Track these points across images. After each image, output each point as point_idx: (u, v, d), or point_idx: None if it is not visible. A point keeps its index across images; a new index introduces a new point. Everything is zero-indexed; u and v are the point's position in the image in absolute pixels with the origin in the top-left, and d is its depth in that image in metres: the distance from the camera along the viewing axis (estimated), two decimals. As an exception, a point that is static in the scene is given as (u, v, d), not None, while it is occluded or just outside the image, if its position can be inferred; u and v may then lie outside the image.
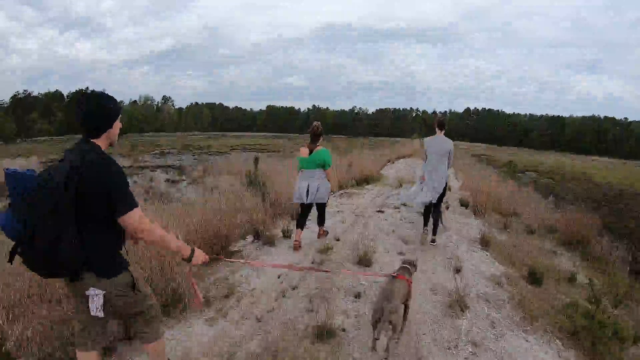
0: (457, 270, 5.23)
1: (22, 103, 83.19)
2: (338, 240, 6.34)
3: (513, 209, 10.02)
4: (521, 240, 7.49)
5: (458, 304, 4.25)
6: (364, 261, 5.33)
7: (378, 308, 3.25)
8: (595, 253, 7.71)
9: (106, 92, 2.28)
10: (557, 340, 3.98)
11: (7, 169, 2.06)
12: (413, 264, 3.88)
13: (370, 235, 6.62)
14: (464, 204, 9.90)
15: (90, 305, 2.19)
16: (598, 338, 3.90)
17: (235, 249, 5.75)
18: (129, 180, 2.27)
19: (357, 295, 4.39)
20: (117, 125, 2.27)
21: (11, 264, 2.11)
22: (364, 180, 13.25)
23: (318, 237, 6.37)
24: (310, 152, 5.73)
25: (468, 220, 8.45)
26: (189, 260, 2.45)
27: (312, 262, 5.30)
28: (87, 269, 2.13)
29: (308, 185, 5.74)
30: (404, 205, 9.33)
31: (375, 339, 3.34)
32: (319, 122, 5.90)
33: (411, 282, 3.66)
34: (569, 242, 8.09)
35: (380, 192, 11.36)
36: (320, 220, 6.35)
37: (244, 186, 9.15)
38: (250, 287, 4.58)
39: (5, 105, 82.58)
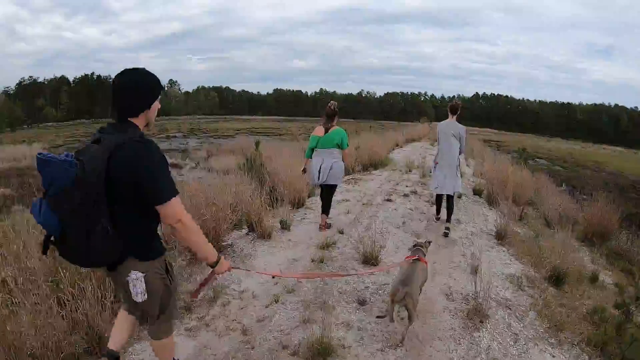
0: (474, 271, 4.67)
1: (28, 89, 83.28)
2: (342, 233, 5.80)
3: (528, 197, 9.40)
4: (538, 233, 6.95)
5: (476, 313, 3.70)
6: (371, 260, 4.75)
7: (396, 290, 3.25)
8: (615, 248, 7.12)
9: (147, 69, 2.06)
10: (585, 355, 3.47)
11: (39, 154, 1.87)
12: (427, 243, 4.02)
13: (378, 228, 6.05)
14: (477, 192, 9.29)
15: (132, 291, 2.08)
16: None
17: (228, 242, 5.24)
18: None
19: (362, 302, 3.85)
20: (156, 106, 2.11)
21: (45, 255, 2.02)
22: (372, 165, 12.62)
23: (320, 229, 5.89)
24: (326, 131, 5.60)
25: (482, 210, 7.88)
26: (213, 266, 2.26)
27: (312, 260, 4.77)
28: (129, 255, 2.04)
29: (321, 164, 5.58)
30: (414, 193, 8.79)
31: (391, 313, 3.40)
32: (335, 102, 5.75)
33: (427, 263, 3.72)
34: (587, 236, 7.49)
35: (389, 178, 10.75)
36: (326, 208, 5.96)
37: (244, 173, 8.62)
38: (240, 289, 4.08)
39: (11, 92, 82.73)
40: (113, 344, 2.47)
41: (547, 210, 8.51)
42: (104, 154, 1.86)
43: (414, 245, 3.93)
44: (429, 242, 4.10)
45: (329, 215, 6.10)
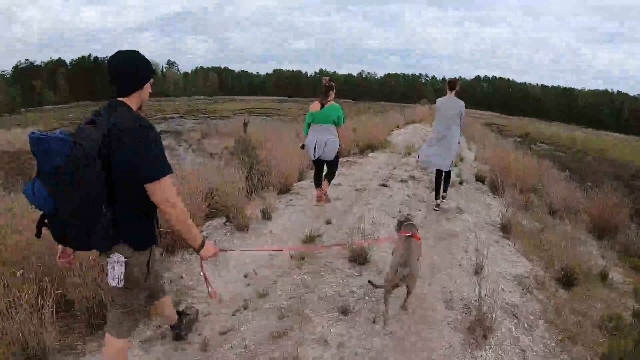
0: (477, 270, 4.10)
1: (25, 73, 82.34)
2: (329, 223, 5.19)
3: (531, 184, 8.80)
4: (544, 225, 6.44)
5: (480, 326, 3.13)
6: (359, 258, 4.10)
7: (396, 273, 3.06)
8: (624, 243, 6.57)
9: (140, 52, 2.10)
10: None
11: (32, 133, 1.79)
12: (409, 216, 3.93)
13: (371, 218, 5.47)
14: (479, 178, 8.68)
15: (109, 274, 2.05)
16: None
17: (202, 233, 4.66)
18: None
19: (344, 311, 3.25)
20: (148, 88, 2.12)
21: (38, 237, 1.98)
22: (369, 147, 11.96)
23: (317, 197, 5.93)
24: (322, 107, 5.49)
25: (486, 199, 7.29)
26: (198, 251, 2.24)
27: (291, 257, 4.17)
28: (123, 241, 2.03)
29: (317, 139, 5.47)
30: (412, 178, 8.18)
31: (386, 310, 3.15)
32: (329, 77, 5.68)
33: (420, 239, 3.54)
34: (594, 227, 6.93)
35: (387, 162, 10.09)
36: (329, 177, 5.93)
37: (231, 157, 8.03)
38: (208, 292, 3.51)
39: (7, 76, 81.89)
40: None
41: (551, 198, 7.97)
42: (96, 140, 1.84)
43: (403, 221, 3.76)
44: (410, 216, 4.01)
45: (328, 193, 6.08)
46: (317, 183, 5.91)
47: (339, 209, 5.82)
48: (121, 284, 2.04)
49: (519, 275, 4.25)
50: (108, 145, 1.85)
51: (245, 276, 3.76)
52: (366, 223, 5.12)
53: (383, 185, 7.41)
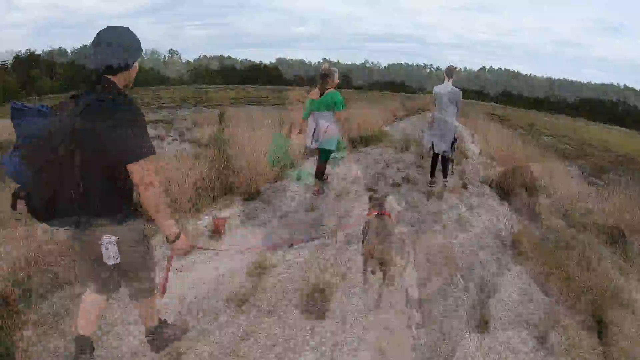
0: (480, 325, 3.01)
1: (25, 62, 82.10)
2: (291, 246, 4.04)
3: (541, 183, 7.75)
4: (558, 235, 5.51)
5: None
6: (314, 308, 2.97)
7: (372, 246, 2.94)
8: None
9: (129, 28, 1.96)
10: None
11: (13, 103, 1.77)
12: (383, 197, 3.62)
13: (345, 237, 4.36)
14: (485, 179, 7.52)
15: (104, 254, 1.96)
16: None
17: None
18: None
19: None
20: (135, 67, 2.00)
21: (14, 209, 1.88)
22: (362, 141, 10.76)
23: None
24: (322, 94, 5.38)
25: (492, 204, 6.20)
26: (171, 242, 2.04)
27: (227, 302, 3.06)
28: (99, 215, 1.93)
29: (316, 127, 5.41)
30: (407, 180, 7.05)
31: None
32: (328, 64, 5.62)
33: (390, 216, 3.37)
34: (610, 234, 6.02)
35: (379, 158, 8.85)
36: (318, 174, 5.77)
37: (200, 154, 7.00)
38: (118, 348, 2.50)
39: (7, 66, 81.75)
40: (83, 330, 2.26)
41: (564, 201, 7.03)
42: (73, 116, 1.78)
43: (373, 199, 3.58)
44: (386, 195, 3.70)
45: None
46: (318, 174, 5.72)
47: (307, 224, 4.70)
48: (118, 260, 1.98)
49: (536, 326, 3.19)
50: (88, 120, 1.77)
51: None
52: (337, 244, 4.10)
53: (370, 189, 6.27)
